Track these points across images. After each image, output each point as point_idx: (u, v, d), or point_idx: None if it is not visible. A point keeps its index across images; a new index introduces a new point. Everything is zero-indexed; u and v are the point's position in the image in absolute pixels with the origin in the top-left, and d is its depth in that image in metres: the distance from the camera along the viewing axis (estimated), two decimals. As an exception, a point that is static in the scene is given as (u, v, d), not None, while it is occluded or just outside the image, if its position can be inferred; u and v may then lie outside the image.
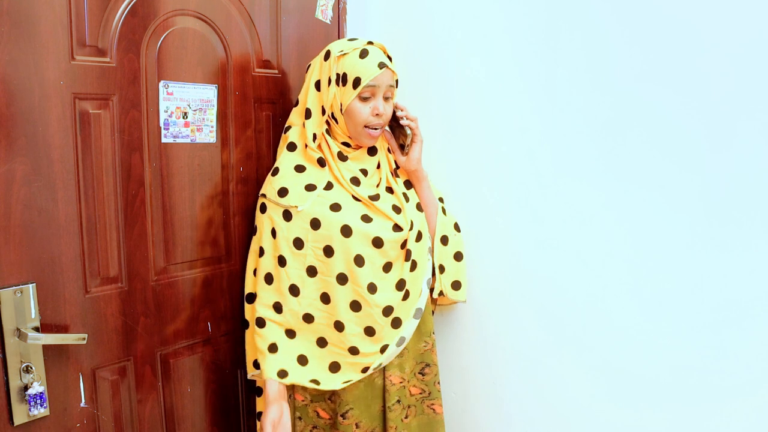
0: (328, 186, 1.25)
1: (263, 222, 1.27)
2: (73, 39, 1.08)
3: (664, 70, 1.14)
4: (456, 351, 1.53)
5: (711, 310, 1.13)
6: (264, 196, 1.27)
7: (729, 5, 1.05)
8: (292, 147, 1.29)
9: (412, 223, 1.26)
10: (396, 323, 1.25)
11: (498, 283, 1.43)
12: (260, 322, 1.25)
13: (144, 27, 1.18)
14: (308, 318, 1.25)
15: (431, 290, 1.36)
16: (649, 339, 1.21)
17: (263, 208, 1.27)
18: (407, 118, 1.30)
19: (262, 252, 1.27)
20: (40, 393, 1.07)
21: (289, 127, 1.32)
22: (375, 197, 1.26)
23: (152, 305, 1.26)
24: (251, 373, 1.34)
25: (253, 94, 1.40)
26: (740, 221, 1.09)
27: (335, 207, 1.22)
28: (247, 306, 1.33)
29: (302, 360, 1.25)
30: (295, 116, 1.32)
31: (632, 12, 1.17)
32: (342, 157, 1.26)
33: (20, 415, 1.06)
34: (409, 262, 1.26)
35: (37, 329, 1.07)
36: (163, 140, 1.24)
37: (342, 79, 1.21)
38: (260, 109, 1.42)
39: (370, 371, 1.25)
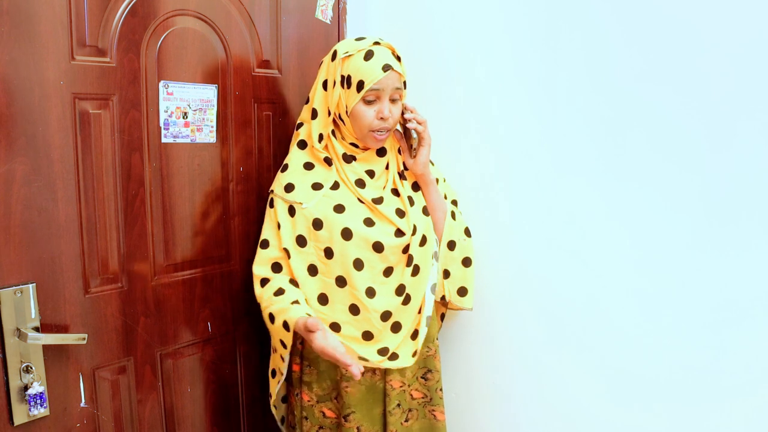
0: (335, 186, 1.24)
1: (269, 216, 1.27)
2: (73, 39, 1.08)
3: (664, 70, 1.14)
4: (459, 353, 1.53)
5: (712, 310, 1.13)
6: (272, 191, 1.28)
7: (729, 5, 1.05)
8: (302, 144, 1.29)
9: (415, 227, 1.23)
10: (396, 327, 1.24)
11: (500, 285, 1.43)
12: (279, 291, 1.21)
13: (144, 27, 1.18)
14: None
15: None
16: (653, 340, 1.21)
17: (271, 203, 1.28)
18: (416, 121, 1.26)
19: (265, 244, 1.26)
20: (40, 393, 1.07)
21: (301, 124, 1.31)
22: (378, 200, 1.24)
23: (152, 305, 1.26)
24: (273, 383, 1.34)
25: (253, 94, 1.40)
26: (740, 221, 1.09)
27: (339, 208, 1.21)
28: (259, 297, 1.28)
29: None
30: (305, 113, 1.30)
31: (632, 12, 1.17)
32: (347, 159, 1.25)
33: (20, 415, 1.06)
34: (411, 267, 1.23)
35: (37, 329, 1.07)
36: (163, 140, 1.24)
37: (346, 81, 1.20)
38: (260, 109, 1.42)
39: (387, 360, 1.22)
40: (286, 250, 1.24)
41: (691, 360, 1.16)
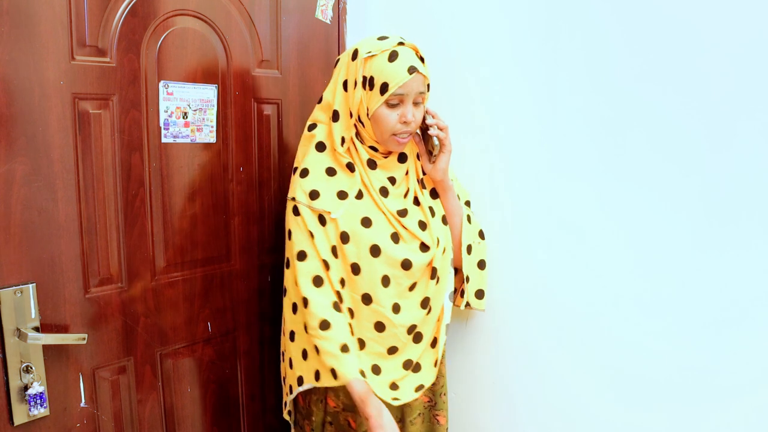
0: (359, 195, 1.18)
1: (299, 225, 1.17)
2: (73, 39, 1.08)
3: (664, 71, 1.14)
4: (459, 353, 1.53)
5: (713, 310, 1.13)
6: (294, 199, 1.18)
7: (729, 5, 1.05)
8: (321, 147, 1.21)
9: (438, 240, 1.22)
10: (417, 338, 1.22)
11: (501, 285, 1.42)
12: (324, 325, 1.13)
13: (144, 27, 1.18)
14: None
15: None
16: (655, 340, 1.21)
17: (296, 211, 1.18)
18: (438, 127, 1.21)
19: (302, 256, 1.16)
20: (40, 393, 1.07)
21: (314, 125, 1.23)
22: (403, 212, 1.20)
23: (152, 305, 1.26)
24: (296, 390, 1.21)
25: (253, 94, 1.40)
26: (741, 221, 1.09)
27: (366, 222, 1.16)
28: (292, 317, 1.20)
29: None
30: (320, 114, 1.23)
31: (632, 12, 1.17)
32: (371, 165, 1.20)
33: (20, 415, 1.06)
34: (434, 279, 1.22)
35: (37, 329, 1.07)
36: (163, 140, 1.24)
37: (369, 82, 1.13)
38: (260, 109, 1.42)
39: (413, 393, 1.21)
40: (325, 262, 1.16)
41: (693, 360, 1.16)
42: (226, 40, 1.32)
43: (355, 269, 1.16)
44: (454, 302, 1.35)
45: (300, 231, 1.17)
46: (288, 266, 1.20)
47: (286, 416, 1.35)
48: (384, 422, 1.10)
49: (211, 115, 1.32)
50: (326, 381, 1.14)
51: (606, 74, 1.21)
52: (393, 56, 1.11)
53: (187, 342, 1.34)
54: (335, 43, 1.58)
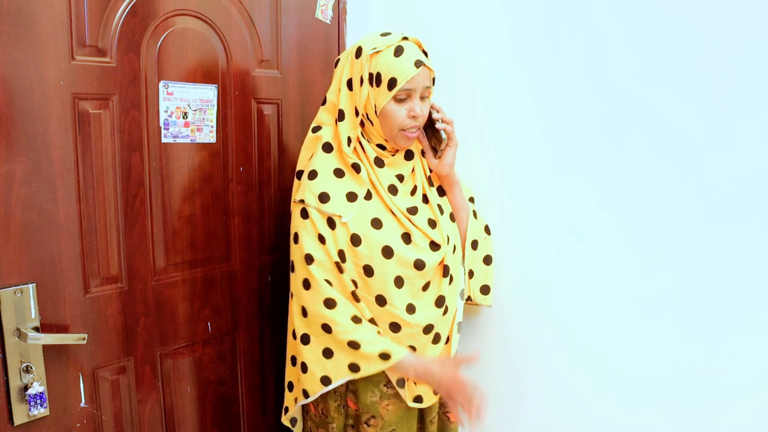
0: (368, 195, 1.17)
1: (307, 228, 1.15)
2: (73, 39, 1.08)
3: (664, 71, 1.14)
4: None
5: (714, 310, 1.13)
6: (303, 201, 1.16)
7: (729, 5, 1.05)
8: (328, 148, 1.19)
9: (448, 237, 1.21)
10: (436, 339, 1.21)
11: (502, 286, 1.43)
12: (356, 319, 1.14)
13: (144, 27, 1.18)
14: None
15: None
16: (657, 341, 1.21)
17: (305, 214, 1.16)
18: (443, 121, 1.21)
19: (310, 259, 1.15)
20: (40, 393, 1.07)
21: (318, 127, 1.23)
22: (413, 210, 1.20)
23: (152, 305, 1.26)
24: (322, 390, 1.18)
25: (253, 94, 1.40)
26: (741, 222, 1.09)
27: (376, 223, 1.15)
28: (303, 320, 1.18)
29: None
30: (324, 115, 1.23)
31: (632, 12, 1.17)
32: (379, 163, 1.19)
33: (20, 415, 1.06)
34: (447, 278, 1.21)
35: (37, 329, 1.07)
36: (163, 140, 1.24)
37: (376, 79, 1.13)
38: (260, 109, 1.42)
39: (430, 396, 1.20)
40: (337, 264, 1.15)
41: (695, 360, 1.16)
42: (226, 40, 1.32)
43: (368, 271, 1.14)
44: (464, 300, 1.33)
45: (308, 234, 1.15)
46: (293, 270, 1.19)
47: (285, 422, 1.33)
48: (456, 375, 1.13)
49: (211, 115, 1.32)
50: (372, 368, 1.13)
51: (606, 74, 1.22)
52: (399, 51, 1.11)
53: (187, 342, 1.34)
54: (335, 43, 1.58)
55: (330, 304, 1.14)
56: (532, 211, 1.36)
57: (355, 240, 1.14)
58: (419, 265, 1.16)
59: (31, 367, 1.06)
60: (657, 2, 1.13)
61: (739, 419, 1.12)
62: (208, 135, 1.32)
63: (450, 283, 1.22)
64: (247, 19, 1.36)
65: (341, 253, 1.15)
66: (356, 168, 1.17)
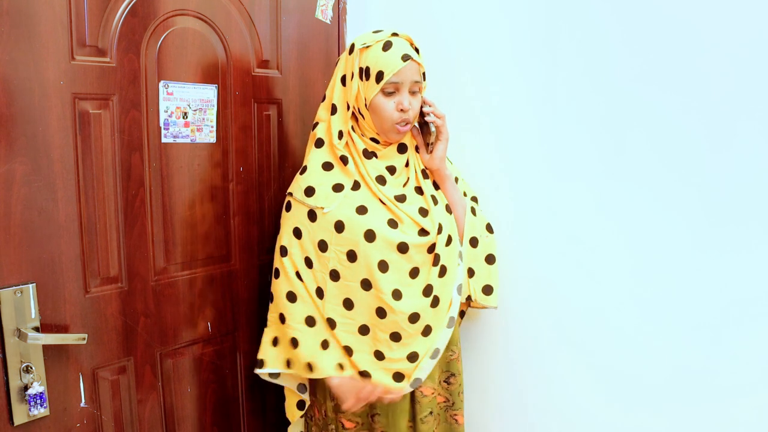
0: (356, 186, 1.20)
1: (287, 221, 1.23)
2: (73, 39, 1.08)
3: (664, 71, 1.14)
4: (475, 359, 1.52)
5: (716, 311, 1.13)
6: (291, 194, 1.23)
7: (729, 5, 1.05)
8: (319, 143, 1.24)
9: (440, 226, 1.20)
10: (426, 331, 1.20)
11: (503, 287, 1.43)
12: (309, 321, 1.21)
13: (144, 27, 1.18)
14: (331, 323, 1.21)
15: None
16: (660, 342, 1.21)
17: (288, 207, 1.23)
18: (434, 115, 1.22)
19: (284, 252, 1.23)
20: (40, 393, 1.07)
21: (317, 124, 1.27)
22: (401, 198, 1.21)
23: (152, 305, 1.26)
24: (261, 372, 1.27)
25: (253, 94, 1.40)
26: (741, 222, 1.09)
27: (361, 210, 1.17)
28: (270, 303, 1.27)
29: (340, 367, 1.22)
30: (322, 111, 1.27)
31: (632, 12, 1.17)
32: (368, 155, 1.21)
33: (20, 415, 1.06)
34: (438, 268, 1.19)
35: (37, 329, 1.07)
36: (163, 140, 1.24)
37: (365, 72, 1.16)
38: (260, 109, 1.42)
39: (408, 386, 1.19)
40: (307, 259, 1.21)
41: (695, 361, 1.16)
42: (226, 40, 1.32)
43: (351, 256, 1.17)
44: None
45: (287, 226, 1.23)
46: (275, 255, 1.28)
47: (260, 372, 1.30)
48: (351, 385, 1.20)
49: (211, 115, 1.32)
50: (299, 371, 1.21)
51: (605, 74, 1.21)
52: (387, 46, 1.15)
53: (187, 342, 1.34)
54: (335, 43, 1.58)
55: (291, 297, 1.22)
56: (531, 211, 1.36)
57: (339, 226, 1.17)
58: (402, 247, 1.16)
59: (31, 367, 1.06)
60: (657, 2, 1.13)
61: (740, 420, 1.12)
62: (208, 135, 1.32)
63: (442, 276, 1.21)
64: (247, 19, 1.36)
65: (321, 243, 1.19)
66: (344, 160, 1.20)
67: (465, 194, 1.35)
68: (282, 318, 1.23)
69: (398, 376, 1.19)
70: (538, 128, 1.33)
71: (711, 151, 1.10)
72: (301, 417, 1.38)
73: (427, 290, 1.19)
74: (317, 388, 1.30)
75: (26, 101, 1.03)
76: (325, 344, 1.21)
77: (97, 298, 1.17)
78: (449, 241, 1.22)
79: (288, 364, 1.23)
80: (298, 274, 1.22)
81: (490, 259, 1.32)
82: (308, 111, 1.53)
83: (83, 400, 1.17)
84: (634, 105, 1.18)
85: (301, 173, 1.24)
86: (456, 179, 1.34)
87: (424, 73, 1.19)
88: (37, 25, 1.03)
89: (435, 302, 1.20)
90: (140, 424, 1.27)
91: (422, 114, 1.23)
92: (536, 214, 1.35)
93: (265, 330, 1.28)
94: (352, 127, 1.22)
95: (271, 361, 1.26)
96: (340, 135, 1.21)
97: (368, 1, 1.61)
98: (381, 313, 1.17)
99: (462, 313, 1.44)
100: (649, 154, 1.18)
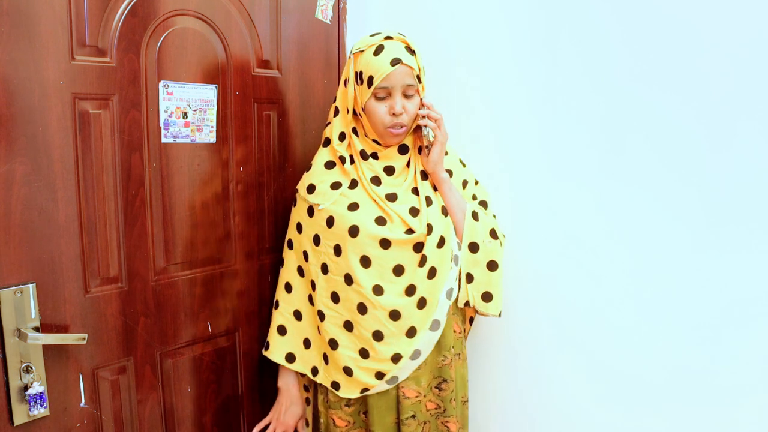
0: (353, 185, 1.23)
1: (293, 216, 1.32)
2: (73, 39, 1.08)
3: (663, 72, 1.14)
4: (476, 359, 1.51)
5: (718, 312, 1.13)
6: (297, 191, 1.31)
7: (729, 5, 1.05)
8: (326, 143, 1.30)
9: (430, 226, 1.19)
10: (411, 332, 1.20)
11: (506, 288, 1.42)
12: (297, 315, 1.32)
13: (144, 27, 1.18)
14: (321, 315, 1.26)
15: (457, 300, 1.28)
16: (662, 343, 1.21)
17: (295, 202, 1.32)
18: (429, 118, 1.21)
19: (290, 244, 1.32)
20: (40, 393, 1.07)
21: (328, 123, 1.31)
22: (391, 197, 1.22)
23: (152, 305, 1.26)
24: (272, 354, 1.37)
25: (253, 94, 1.40)
26: (741, 223, 1.09)
27: (353, 206, 1.20)
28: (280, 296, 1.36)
29: (324, 359, 1.28)
30: (331, 112, 1.31)
31: (632, 13, 1.17)
32: (365, 156, 1.24)
33: (20, 415, 1.06)
34: (425, 269, 1.19)
35: (37, 329, 1.07)
36: (163, 140, 1.24)
37: (359, 77, 1.19)
38: (260, 109, 1.42)
39: (384, 384, 1.22)
40: (305, 253, 1.28)
41: (695, 361, 1.16)
42: (226, 40, 1.32)
43: (337, 250, 1.21)
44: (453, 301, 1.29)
45: (292, 221, 1.32)
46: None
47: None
48: (279, 399, 1.37)
49: (211, 115, 1.32)
50: (278, 359, 1.34)
51: (605, 75, 1.22)
52: (379, 50, 1.16)
53: (187, 342, 1.34)
54: (335, 43, 1.58)
55: (288, 288, 1.33)
56: (531, 211, 1.36)
57: (329, 222, 1.22)
58: (384, 243, 1.18)
59: (31, 367, 1.06)
60: (657, 3, 1.13)
61: (740, 420, 1.12)
62: (208, 135, 1.32)
63: (432, 277, 1.20)
64: (247, 19, 1.36)
65: (315, 238, 1.25)
66: (342, 160, 1.25)
67: (474, 197, 1.33)
68: (276, 304, 1.35)
69: (380, 375, 1.21)
70: (538, 128, 1.33)
71: (711, 151, 1.10)
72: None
73: (410, 290, 1.20)
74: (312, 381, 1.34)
75: (26, 101, 1.03)
76: (307, 343, 1.31)
77: (97, 298, 1.17)
78: (441, 243, 1.21)
79: (288, 357, 1.34)
80: (300, 269, 1.31)
81: (491, 266, 1.27)
82: (308, 111, 1.53)
83: (83, 400, 1.17)
84: (633, 105, 1.18)
85: (307, 171, 1.30)
86: (465, 182, 1.33)
87: (418, 76, 1.19)
88: (37, 25, 1.03)
89: (421, 303, 1.20)
90: (140, 424, 1.27)
91: (419, 115, 1.23)
92: (536, 213, 1.35)
93: (274, 313, 1.37)
94: (355, 129, 1.24)
95: (269, 335, 1.37)
96: (342, 136, 1.25)
97: (368, 1, 1.61)
98: (362, 308, 1.20)
99: (471, 319, 1.43)
100: (649, 154, 1.18)
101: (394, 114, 1.17)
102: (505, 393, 1.46)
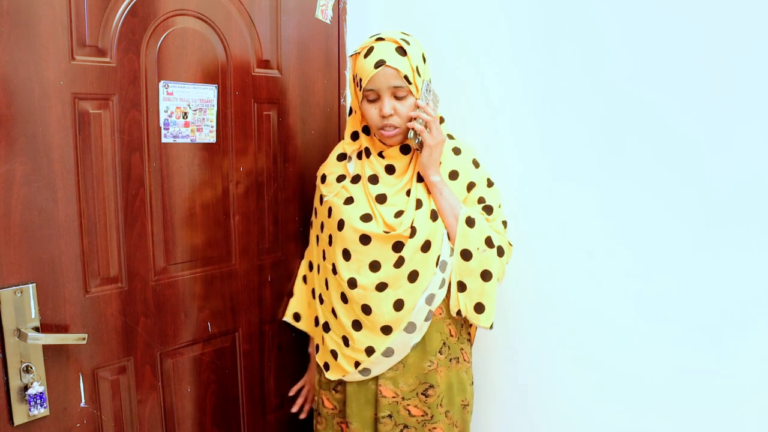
0: (355, 179, 1.28)
1: (314, 200, 1.39)
2: (73, 39, 1.08)
3: (663, 72, 1.14)
4: (477, 359, 1.51)
5: (719, 312, 1.13)
6: (317, 178, 1.38)
7: (729, 5, 1.05)
8: (354, 136, 1.34)
9: (414, 229, 1.18)
10: (386, 330, 1.21)
11: (507, 289, 1.42)
12: (320, 299, 1.37)
13: (144, 27, 1.18)
14: (320, 299, 1.34)
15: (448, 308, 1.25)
16: (664, 344, 1.21)
17: (316, 188, 1.38)
18: (421, 119, 1.17)
19: (310, 225, 1.43)
20: (40, 393, 1.07)
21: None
22: (381, 197, 1.23)
23: (152, 305, 1.26)
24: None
25: (253, 94, 1.40)
26: (741, 223, 1.09)
27: (348, 201, 1.26)
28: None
29: (322, 340, 1.34)
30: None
31: (632, 13, 1.17)
32: (368, 153, 1.28)
33: (20, 415, 1.06)
34: (405, 271, 1.19)
35: (37, 329, 1.07)
36: (163, 140, 1.24)
37: (354, 79, 1.23)
38: (260, 109, 1.42)
39: (357, 374, 1.25)
40: (316, 236, 1.37)
41: (696, 362, 1.16)
42: (226, 40, 1.32)
43: (330, 240, 1.29)
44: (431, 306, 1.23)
45: (313, 207, 1.41)
46: None
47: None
48: (310, 365, 1.52)
49: (211, 115, 1.32)
50: (288, 317, 1.50)
51: (605, 75, 1.22)
52: (368, 52, 1.17)
53: (187, 342, 1.34)
54: (335, 43, 1.58)
55: (310, 266, 1.44)
56: (531, 211, 1.36)
57: (329, 212, 1.29)
58: (364, 239, 1.21)
59: (31, 367, 1.06)
60: (656, 3, 1.13)
61: (740, 420, 1.12)
62: (208, 135, 1.32)
63: (413, 281, 1.19)
64: (247, 19, 1.36)
65: (321, 225, 1.33)
66: (343, 156, 1.32)
67: (482, 200, 1.25)
68: (302, 278, 1.48)
69: (357, 365, 1.25)
70: (538, 128, 1.33)
71: (711, 151, 1.10)
72: None
73: (381, 286, 1.20)
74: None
75: (26, 101, 1.03)
76: (317, 321, 1.37)
77: (97, 298, 1.17)
78: (426, 247, 1.18)
79: (295, 317, 1.48)
80: (310, 248, 1.44)
81: (485, 276, 1.20)
82: (308, 111, 1.53)
83: (83, 400, 1.17)
84: (633, 105, 1.18)
85: (324, 160, 1.38)
86: (471, 185, 1.26)
87: (406, 77, 1.14)
88: (37, 25, 1.03)
89: (398, 305, 1.20)
90: (140, 424, 1.27)
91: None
92: (536, 214, 1.35)
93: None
94: (365, 127, 1.28)
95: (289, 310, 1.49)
96: (354, 135, 1.30)
97: (368, 1, 1.61)
98: (344, 298, 1.26)
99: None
100: (649, 153, 1.18)
101: (382, 116, 1.17)
102: (506, 392, 1.46)
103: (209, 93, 1.31)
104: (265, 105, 1.43)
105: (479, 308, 1.21)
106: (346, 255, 1.23)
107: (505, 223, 1.28)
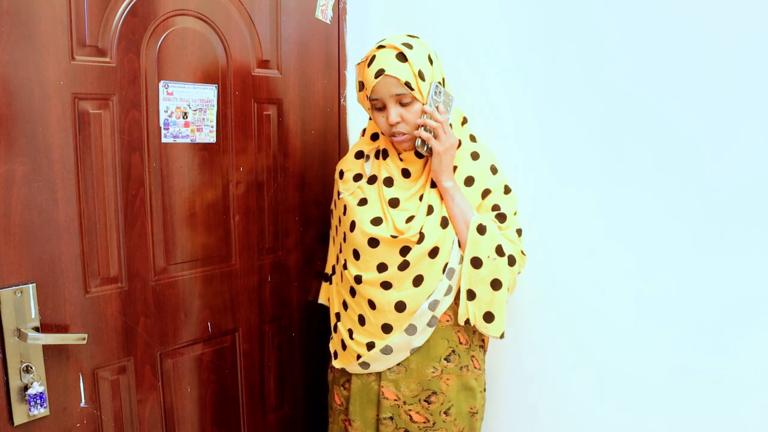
0: (371, 180, 1.28)
1: (333, 193, 1.40)
2: (73, 39, 1.08)
3: (663, 73, 1.14)
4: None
5: (719, 312, 1.13)
6: (336, 171, 1.38)
7: (729, 5, 1.05)
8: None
9: (422, 235, 1.16)
10: (386, 329, 1.21)
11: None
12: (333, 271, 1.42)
13: (144, 27, 1.18)
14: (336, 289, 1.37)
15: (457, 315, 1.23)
16: (664, 345, 1.21)
17: (335, 183, 1.38)
18: (429, 125, 1.15)
19: (331, 215, 1.41)
20: (40, 393, 1.07)
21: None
22: (394, 202, 1.23)
23: (152, 305, 1.26)
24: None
25: (253, 94, 1.40)
26: (741, 224, 1.09)
27: (362, 202, 1.26)
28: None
29: (334, 328, 1.36)
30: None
31: (631, 14, 1.17)
32: (385, 155, 1.27)
33: (20, 415, 1.06)
34: (410, 274, 1.18)
35: (37, 329, 1.07)
36: (163, 140, 1.24)
37: (360, 87, 1.23)
38: (260, 109, 1.42)
39: (357, 366, 1.26)
40: (336, 227, 1.37)
41: (697, 362, 1.16)
42: (226, 40, 1.32)
43: (344, 238, 1.30)
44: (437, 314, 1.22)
45: (333, 197, 1.40)
46: None
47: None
48: None
49: (211, 115, 1.32)
50: (323, 300, 1.48)
51: (605, 76, 1.21)
52: (371, 61, 1.16)
53: (187, 342, 1.34)
54: (335, 43, 1.58)
55: (331, 250, 1.44)
56: (531, 211, 1.36)
57: (344, 210, 1.29)
58: (373, 242, 1.22)
59: (31, 367, 1.06)
60: (656, 3, 1.13)
61: (741, 420, 1.12)
62: (208, 135, 1.32)
63: (417, 285, 1.18)
64: (247, 19, 1.36)
65: (339, 219, 1.33)
66: (360, 155, 1.32)
67: (496, 208, 1.23)
68: (332, 269, 1.45)
69: (358, 357, 1.26)
70: (537, 129, 1.33)
71: (711, 151, 1.10)
72: None
73: (386, 285, 1.21)
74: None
75: (26, 101, 1.03)
76: (325, 277, 1.43)
77: (97, 298, 1.17)
78: (434, 253, 1.17)
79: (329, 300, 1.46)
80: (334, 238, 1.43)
81: (495, 285, 1.18)
82: (308, 111, 1.53)
83: (83, 400, 1.17)
84: (633, 106, 1.18)
85: (345, 155, 1.38)
86: (486, 192, 1.23)
87: (408, 83, 1.12)
88: (37, 25, 1.03)
89: (400, 306, 1.19)
90: (140, 424, 1.27)
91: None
92: (536, 214, 1.35)
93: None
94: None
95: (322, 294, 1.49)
96: (374, 136, 1.31)
97: (368, 1, 1.61)
98: (353, 292, 1.27)
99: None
100: (649, 154, 1.18)
101: (390, 124, 1.16)
102: (506, 392, 1.46)
103: (209, 93, 1.31)
104: (265, 105, 1.43)
105: (488, 317, 1.19)
106: (356, 255, 1.25)
107: (519, 231, 1.25)
